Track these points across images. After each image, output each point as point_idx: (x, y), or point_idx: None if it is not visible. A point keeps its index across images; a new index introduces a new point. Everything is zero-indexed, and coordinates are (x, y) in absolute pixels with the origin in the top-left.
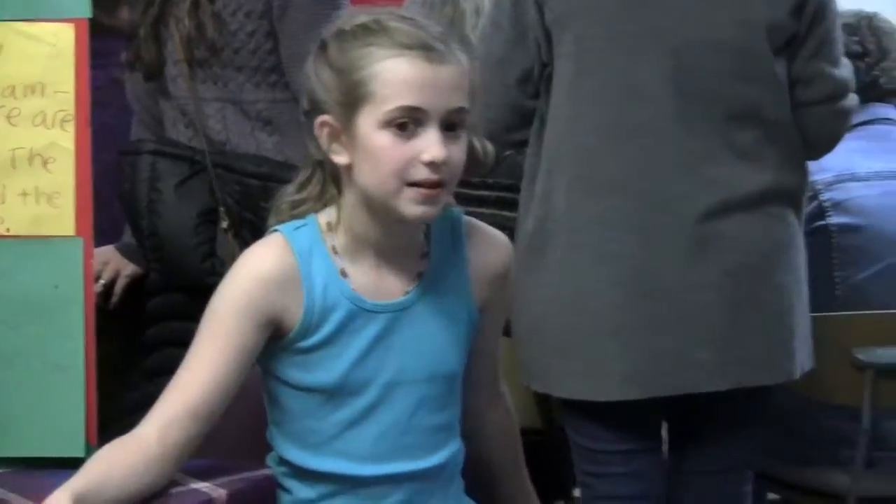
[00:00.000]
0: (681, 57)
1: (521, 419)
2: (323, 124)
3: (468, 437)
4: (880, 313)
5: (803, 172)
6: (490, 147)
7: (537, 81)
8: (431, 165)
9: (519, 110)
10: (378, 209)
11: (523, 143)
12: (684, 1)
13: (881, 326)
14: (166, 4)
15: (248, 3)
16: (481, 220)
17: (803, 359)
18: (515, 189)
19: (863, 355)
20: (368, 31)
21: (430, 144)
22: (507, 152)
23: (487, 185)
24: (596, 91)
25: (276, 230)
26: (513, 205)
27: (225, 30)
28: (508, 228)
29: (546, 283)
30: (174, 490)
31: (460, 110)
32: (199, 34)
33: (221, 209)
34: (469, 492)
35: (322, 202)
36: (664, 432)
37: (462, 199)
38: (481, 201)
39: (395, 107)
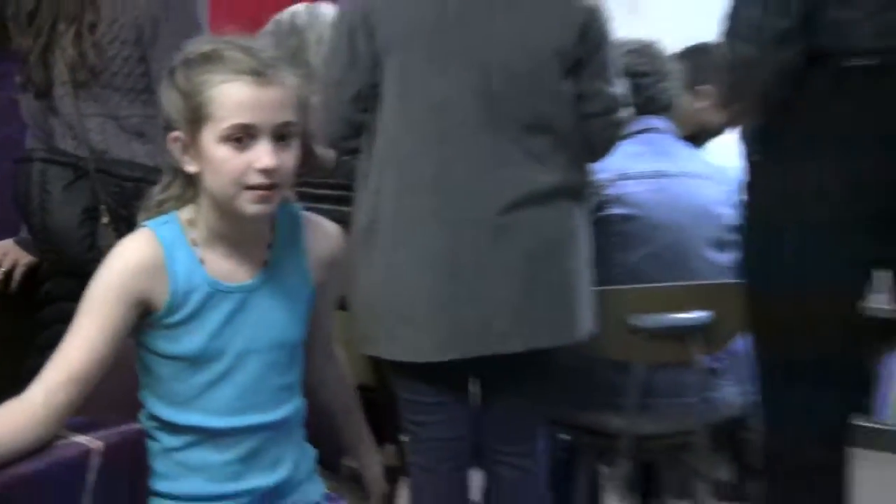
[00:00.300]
0: (485, 78)
1: (358, 378)
2: (175, 139)
3: (313, 391)
4: (649, 287)
5: (586, 173)
6: (330, 153)
7: (368, 99)
8: (264, 172)
9: (353, 123)
10: (225, 208)
11: (357, 150)
12: (488, 31)
13: (650, 297)
14: (53, 34)
15: (124, 32)
16: (323, 214)
17: (586, 324)
18: (351, 188)
19: (636, 321)
20: (207, 59)
21: (262, 155)
22: (345, 158)
23: (328, 185)
24: (415, 106)
25: (144, 225)
26: (349, 201)
27: (104, 56)
28: (345, 221)
29: (375, 267)
30: (58, 443)
31: (288, 124)
32: (81, 60)
33: (102, 207)
34: (317, 441)
35: (183, 201)
36: (474, 387)
37: (307, 197)
38: (323, 198)
39: (230, 125)
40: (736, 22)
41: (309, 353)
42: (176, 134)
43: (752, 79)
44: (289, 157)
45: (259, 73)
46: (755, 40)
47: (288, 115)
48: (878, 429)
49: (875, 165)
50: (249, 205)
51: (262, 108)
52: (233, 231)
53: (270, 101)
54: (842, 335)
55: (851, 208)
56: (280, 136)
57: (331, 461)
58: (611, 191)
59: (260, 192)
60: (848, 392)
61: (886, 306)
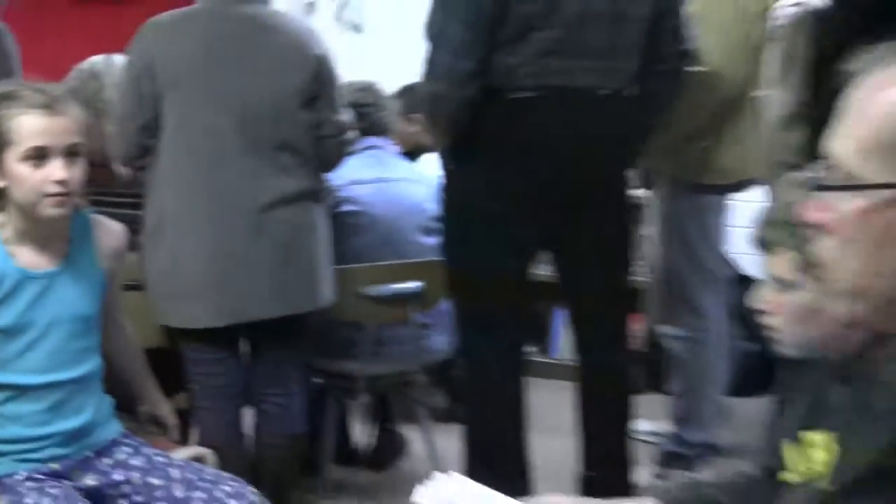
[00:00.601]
0: (242, 111)
1: (154, 342)
2: None
3: (109, 355)
4: (375, 265)
5: (323, 180)
6: (125, 170)
7: (152, 128)
8: (59, 183)
9: (141, 147)
10: (29, 213)
11: (145, 167)
12: (243, 75)
13: (375, 272)
14: None
15: None
16: (118, 217)
17: (327, 294)
18: (142, 196)
19: (365, 290)
20: (7, 97)
21: (55, 170)
22: (137, 173)
23: (125, 194)
24: (189, 133)
25: None
26: (142, 206)
27: None
28: (139, 221)
29: (163, 256)
30: None
31: (76, 145)
32: None
33: None
34: (115, 392)
35: None
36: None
37: (110, 204)
38: (122, 204)
39: (27, 147)
40: (432, 66)
41: (103, 325)
42: None
43: (445, 109)
44: (78, 171)
45: (48, 106)
46: (447, 80)
47: (75, 138)
48: (550, 363)
49: (537, 171)
50: (49, 209)
51: (53, 134)
52: (37, 230)
53: (59, 128)
54: (515, 295)
55: (520, 204)
56: (70, 154)
57: (130, 407)
58: (343, 193)
59: (57, 199)
60: (522, 336)
61: (547, 273)
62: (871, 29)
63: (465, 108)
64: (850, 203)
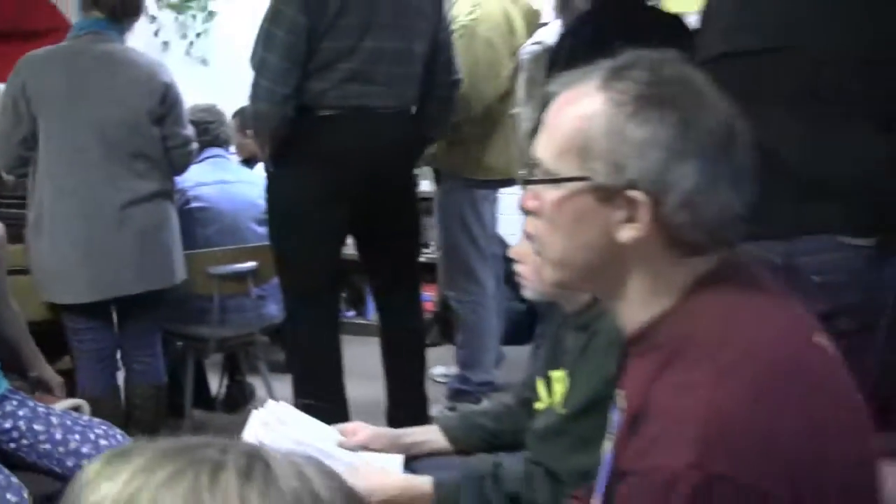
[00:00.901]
0: (103, 128)
1: (41, 315)
2: None
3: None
4: (219, 249)
5: (174, 182)
6: (10, 177)
7: (30, 142)
8: None
9: (22, 158)
10: None
11: (26, 174)
12: (102, 99)
13: (220, 255)
14: None
15: None
16: (5, 215)
17: (181, 273)
18: (25, 198)
19: (212, 270)
20: None
21: None
22: (19, 179)
23: (8, 197)
24: (60, 147)
25: None
26: (24, 206)
27: None
28: (22, 218)
29: (43, 246)
30: None
31: None
32: None
33: None
34: (2, 357)
35: None
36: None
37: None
38: (7, 205)
39: None
40: (256, 90)
41: None
42: None
43: (266, 124)
44: None
45: None
46: (268, 101)
47: None
48: (367, 323)
49: (339, 173)
50: None
51: None
52: None
53: None
54: (328, 272)
55: (329, 199)
56: None
57: (17, 370)
58: (191, 193)
59: None
60: (336, 303)
61: (353, 252)
62: (587, 59)
63: (283, 124)
64: (550, 194)
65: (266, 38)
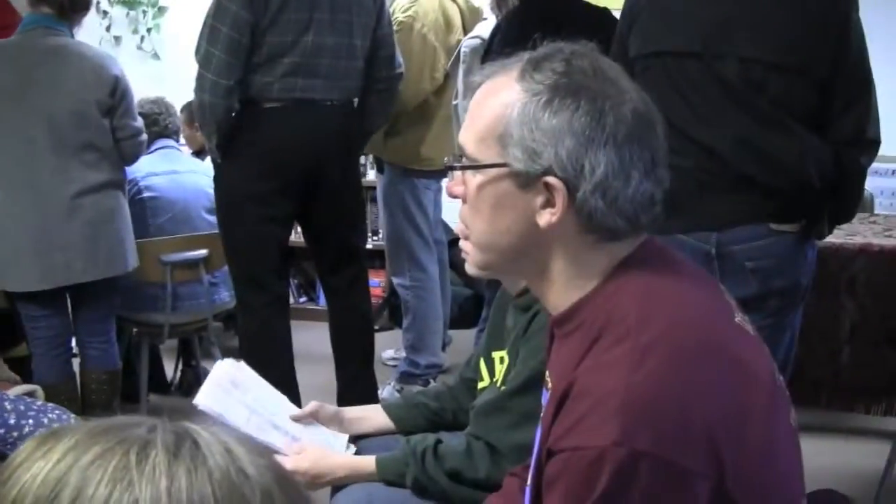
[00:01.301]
0: (50, 121)
1: None
2: None
3: None
4: (171, 237)
5: (124, 172)
6: None
7: None
8: None
9: None
10: None
11: None
12: (53, 91)
13: (172, 243)
14: None
15: None
16: None
17: (132, 261)
18: None
19: (164, 257)
20: None
21: None
22: None
23: None
24: (10, 140)
25: None
26: None
27: None
28: None
29: None
30: None
31: None
32: None
33: None
34: None
35: None
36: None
37: None
38: None
39: None
40: (201, 82)
41: None
42: None
43: (212, 116)
44: None
45: None
46: (210, 93)
47: None
48: (315, 309)
49: (283, 163)
50: None
51: None
52: None
53: None
54: (276, 257)
55: (274, 188)
56: None
57: None
58: (142, 183)
59: None
60: (284, 289)
61: (298, 240)
62: (513, 51)
63: (227, 116)
64: (474, 180)
65: (210, 32)
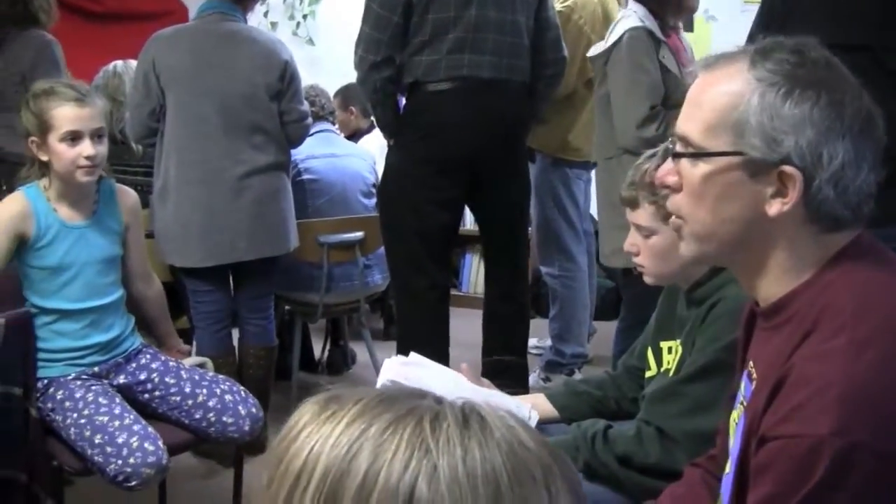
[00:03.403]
0: (224, 101)
1: (162, 278)
2: (32, 142)
3: (139, 301)
4: (329, 219)
5: (288, 155)
6: (137, 147)
7: (158, 114)
8: (88, 157)
9: (150, 129)
10: (66, 179)
11: (153, 144)
12: (225, 74)
13: (330, 225)
14: None
15: (15, 75)
16: (132, 182)
17: (293, 241)
18: (151, 166)
19: (322, 238)
20: (49, 93)
21: (85, 148)
22: (147, 149)
23: (139, 165)
24: (186, 119)
25: (19, 188)
26: (151, 174)
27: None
28: (149, 185)
29: (168, 212)
30: None
31: (101, 128)
32: None
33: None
34: (143, 324)
35: (40, 174)
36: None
37: (128, 172)
38: (136, 173)
39: (64, 131)
40: (355, 57)
41: (132, 277)
42: (33, 138)
43: (364, 92)
44: (103, 148)
45: (79, 99)
46: (361, 68)
47: (100, 123)
48: (464, 295)
49: (454, 144)
50: (81, 177)
51: (83, 120)
52: (72, 192)
53: (88, 115)
54: (440, 240)
55: (443, 171)
56: (96, 135)
57: (148, 328)
58: (303, 165)
59: (87, 169)
60: (445, 274)
61: (470, 227)
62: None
63: (375, 93)
64: (698, 168)
65: (365, 11)
